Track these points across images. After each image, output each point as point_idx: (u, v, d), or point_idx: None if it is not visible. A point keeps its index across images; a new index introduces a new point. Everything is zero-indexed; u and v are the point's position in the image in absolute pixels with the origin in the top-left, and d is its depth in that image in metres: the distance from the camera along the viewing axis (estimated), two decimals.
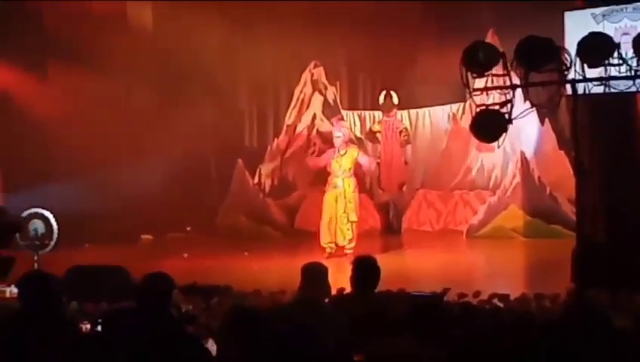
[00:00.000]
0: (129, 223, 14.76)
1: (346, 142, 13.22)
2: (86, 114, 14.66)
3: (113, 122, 14.85)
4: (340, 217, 12.86)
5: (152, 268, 10.03)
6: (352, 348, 5.28)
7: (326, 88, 16.69)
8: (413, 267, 12.59)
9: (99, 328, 5.85)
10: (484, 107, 8.71)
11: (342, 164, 12.98)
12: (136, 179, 14.65)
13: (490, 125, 8.49)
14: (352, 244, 12.84)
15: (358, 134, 16.71)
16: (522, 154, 14.69)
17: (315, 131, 16.54)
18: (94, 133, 14.67)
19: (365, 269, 6.57)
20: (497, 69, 8.55)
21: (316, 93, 16.64)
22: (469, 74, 8.50)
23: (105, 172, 14.66)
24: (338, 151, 13.05)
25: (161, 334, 4.79)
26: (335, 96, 16.80)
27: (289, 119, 16.80)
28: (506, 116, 8.46)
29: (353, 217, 12.89)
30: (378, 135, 16.03)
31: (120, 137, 14.93)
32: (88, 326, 6.06)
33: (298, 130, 16.66)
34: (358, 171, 15.38)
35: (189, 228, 16.00)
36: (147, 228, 15.50)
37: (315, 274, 6.38)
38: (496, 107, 8.65)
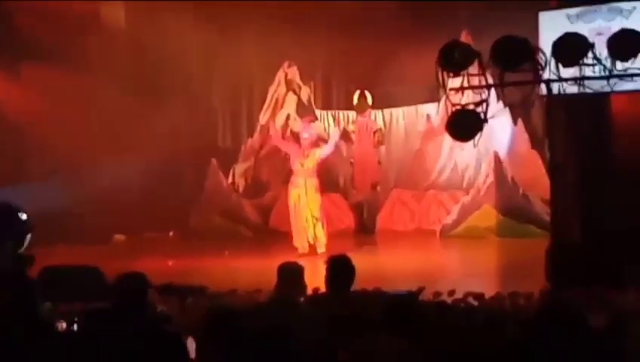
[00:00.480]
0: (101, 223, 14.67)
1: (313, 144, 13.33)
2: (60, 113, 14.58)
3: (87, 122, 14.80)
4: (304, 216, 12.96)
5: (125, 268, 10.01)
6: (330, 346, 5.27)
7: (300, 88, 16.70)
8: (387, 266, 12.60)
9: (75, 327, 5.82)
10: (459, 106, 8.73)
11: (304, 163, 13.13)
12: (108, 178, 14.60)
13: (465, 124, 8.51)
14: (322, 242, 12.88)
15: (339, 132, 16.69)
16: (495, 154, 14.75)
17: (289, 131, 16.53)
18: (67, 133, 14.58)
19: (339, 268, 6.56)
20: (472, 69, 8.56)
21: (290, 93, 16.64)
22: (444, 73, 8.51)
23: (77, 171, 14.61)
24: (303, 152, 13.10)
25: (139, 332, 4.76)
26: (309, 96, 16.81)
27: (263, 119, 16.78)
28: (482, 115, 8.48)
29: (316, 213, 12.96)
30: (352, 135, 16.06)
31: (93, 137, 14.88)
32: (64, 325, 6.01)
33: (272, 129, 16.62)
34: (332, 170, 15.47)
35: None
36: (120, 227, 15.40)
37: (291, 274, 6.37)
38: (472, 106, 8.67)
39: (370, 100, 15.82)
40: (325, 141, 14.47)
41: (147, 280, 5.65)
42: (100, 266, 9.01)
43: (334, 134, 14.12)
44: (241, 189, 16.38)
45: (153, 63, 15.43)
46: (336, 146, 16.38)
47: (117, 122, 15.05)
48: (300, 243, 13.00)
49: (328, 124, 16.86)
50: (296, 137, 16.36)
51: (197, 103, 16.69)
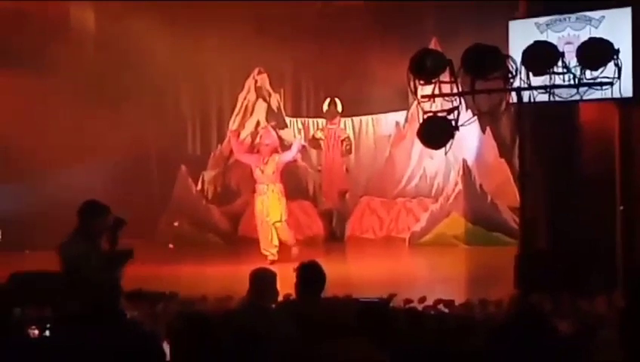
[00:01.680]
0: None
1: (273, 150, 13.56)
2: (26, 118, 14.46)
3: (54, 126, 14.68)
4: (267, 222, 13.05)
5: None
6: (301, 352, 5.27)
7: (270, 95, 16.68)
8: (357, 274, 12.60)
9: (47, 333, 5.78)
10: (431, 114, 8.77)
11: (265, 170, 13.25)
12: (76, 184, 14.45)
13: (437, 132, 8.55)
14: (291, 243, 12.98)
15: (302, 141, 16.72)
16: (464, 162, 14.81)
17: (258, 138, 16.50)
18: (34, 138, 14.47)
19: (310, 275, 6.57)
20: (444, 77, 8.60)
21: (260, 100, 16.62)
22: (416, 81, 8.54)
23: (44, 177, 14.48)
24: (262, 159, 13.25)
25: (115, 335, 4.74)
26: (279, 103, 16.81)
27: (232, 126, 16.75)
28: (453, 123, 8.52)
29: (276, 217, 13.06)
30: (321, 142, 16.09)
31: (60, 141, 14.73)
32: (36, 332, 5.96)
33: (241, 136, 16.61)
34: (301, 178, 15.49)
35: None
36: None
37: (263, 280, 6.35)
38: (443, 114, 8.71)
39: (340, 108, 15.86)
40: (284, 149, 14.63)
41: (118, 284, 5.64)
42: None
43: (297, 141, 14.23)
44: (210, 196, 16.32)
45: (122, 69, 15.34)
46: (306, 153, 16.49)
47: (84, 127, 14.93)
48: (268, 249, 13.01)
49: (298, 131, 16.87)
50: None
51: (166, 110, 16.63)
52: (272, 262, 12.47)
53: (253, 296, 6.30)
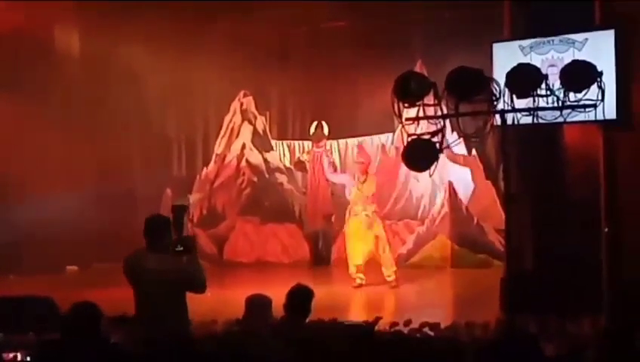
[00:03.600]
0: (54, 254, 14.49)
1: (367, 168, 13.01)
2: (11, 143, 14.41)
3: (37, 149, 14.62)
4: (363, 246, 12.69)
5: (78, 299, 9.90)
6: None
7: (255, 118, 16.71)
8: (343, 297, 12.55)
9: (28, 359, 5.74)
10: (415, 136, 8.77)
11: (363, 190, 12.74)
12: (60, 208, 14.42)
13: (421, 154, 8.53)
14: (392, 270, 12.71)
15: (287, 164, 16.74)
16: (450, 184, 14.82)
17: (244, 161, 16.52)
18: (17, 161, 14.42)
19: (302, 298, 6.60)
20: (428, 99, 8.61)
21: (245, 123, 16.66)
22: (400, 103, 8.54)
23: (29, 201, 14.41)
24: (359, 179, 12.84)
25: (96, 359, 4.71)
26: (264, 126, 16.83)
27: (218, 148, 16.76)
28: (437, 146, 8.52)
29: (385, 243, 12.75)
30: (307, 165, 16.08)
31: (44, 165, 14.68)
32: (18, 356, 5.92)
33: (227, 159, 16.62)
34: (287, 200, 15.44)
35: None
36: (72, 258, 15.22)
37: (259, 306, 6.34)
38: (428, 136, 8.71)
39: (326, 130, 15.86)
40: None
41: (98, 308, 5.60)
42: (53, 297, 8.92)
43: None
44: (195, 219, 16.27)
45: (107, 90, 15.35)
46: (292, 176, 16.50)
47: (68, 151, 14.88)
48: (357, 274, 12.76)
49: (283, 154, 16.89)
50: (251, 167, 16.40)
51: (152, 132, 16.61)
52: (360, 286, 12.42)
53: (248, 322, 6.28)
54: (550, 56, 9.52)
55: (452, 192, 14.81)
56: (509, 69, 8.58)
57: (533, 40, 9.72)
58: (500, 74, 8.89)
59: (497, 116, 8.62)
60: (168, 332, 6.31)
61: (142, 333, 6.56)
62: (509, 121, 8.55)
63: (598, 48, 9.34)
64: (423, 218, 15.29)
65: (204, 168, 16.83)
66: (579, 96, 8.41)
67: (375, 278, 14.04)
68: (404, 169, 14.75)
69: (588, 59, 8.66)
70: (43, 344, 5.55)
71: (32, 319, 7.96)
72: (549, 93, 8.42)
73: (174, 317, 6.51)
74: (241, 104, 16.67)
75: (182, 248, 6.49)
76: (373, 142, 16.42)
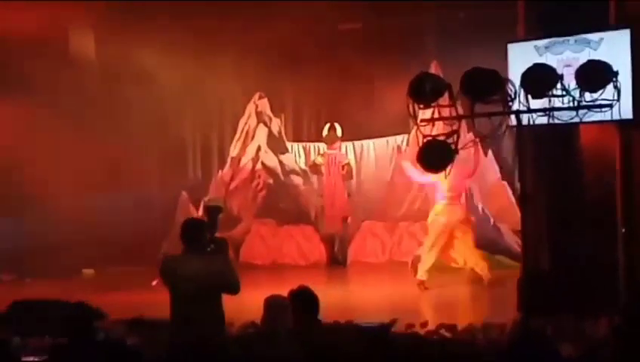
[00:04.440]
0: (70, 257, 14.54)
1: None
2: (27, 147, 14.45)
3: (51, 151, 14.66)
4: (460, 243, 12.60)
5: (94, 303, 9.94)
6: None
7: (271, 120, 16.71)
8: (359, 299, 12.55)
9: None
10: (430, 137, 8.76)
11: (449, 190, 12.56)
12: (76, 211, 14.48)
13: (437, 155, 8.53)
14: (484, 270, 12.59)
15: (303, 166, 16.74)
16: (466, 185, 14.75)
17: (259, 163, 16.53)
18: (34, 166, 14.46)
19: (306, 300, 6.61)
20: (443, 100, 8.60)
21: (261, 125, 16.65)
22: (415, 105, 8.54)
23: (45, 205, 14.47)
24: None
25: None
26: (280, 128, 16.83)
27: (233, 151, 16.77)
28: (452, 146, 8.51)
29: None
30: (322, 167, 16.08)
31: (60, 169, 14.73)
32: (37, 360, 5.96)
33: (242, 162, 16.63)
34: (302, 203, 15.43)
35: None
36: (89, 261, 15.26)
37: (277, 308, 6.36)
38: (443, 137, 8.70)
39: (339, 132, 15.85)
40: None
41: (89, 309, 5.68)
42: (70, 300, 8.94)
43: None
44: None
45: (122, 93, 15.39)
46: (307, 179, 16.50)
47: (83, 153, 14.91)
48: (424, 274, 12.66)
49: (299, 155, 16.89)
50: (267, 169, 16.41)
51: (167, 135, 16.64)
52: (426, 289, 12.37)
53: (267, 323, 6.30)
54: (565, 56, 9.49)
55: (468, 193, 14.76)
56: (524, 69, 8.57)
57: (548, 40, 9.69)
58: (515, 74, 8.87)
59: (513, 117, 8.61)
60: (202, 337, 6.36)
61: (175, 337, 6.60)
62: (525, 122, 8.53)
63: (614, 48, 9.30)
64: None
65: (220, 171, 16.84)
66: (595, 96, 8.39)
67: (394, 279, 14.07)
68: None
69: (604, 59, 8.63)
70: (51, 347, 5.61)
71: (49, 323, 7.98)
72: (564, 93, 8.41)
73: (211, 319, 6.56)
74: (256, 106, 16.67)
75: (214, 248, 6.55)
76: (389, 143, 16.40)
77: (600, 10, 9.65)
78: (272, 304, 6.40)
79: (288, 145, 16.89)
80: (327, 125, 15.97)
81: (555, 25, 9.78)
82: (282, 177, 16.56)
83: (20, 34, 14.35)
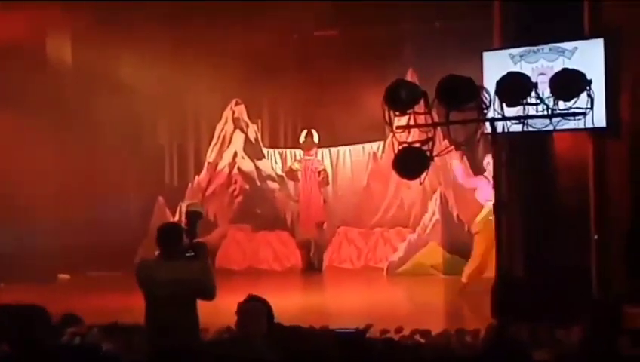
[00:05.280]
0: (45, 262, 14.48)
1: None
2: (3, 156, 14.37)
3: (30, 159, 14.60)
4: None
5: (70, 308, 9.91)
6: None
7: (247, 126, 16.74)
8: (334, 304, 12.59)
9: None
10: (406, 144, 8.81)
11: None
12: (51, 216, 14.43)
13: (412, 162, 8.58)
14: None
15: (279, 172, 16.77)
16: (441, 192, 14.87)
17: (236, 169, 16.55)
18: (10, 173, 14.39)
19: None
20: (419, 108, 8.66)
21: (237, 131, 16.68)
22: (391, 112, 8.59)
23: (19, 210, 14.40)
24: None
25: None
26: (256, 134, 16.87)
27: (210, 156, 16.78)
28: (428, 153, 8.57)
29: None
30: (298, 173, 16.12)
31: (37, 175, 14.66)
32: None
33: (219, 167, 16.65)
34: (279, 208, 15.47)
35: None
36: (64, 267, 15.21)
37: (251, 313, 6.34)
38: (418, 144, 8.76)
39: (316, 139, 15.92)
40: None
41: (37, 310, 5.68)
42: (45, 305, 8.92)
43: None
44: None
45: (99, 100, 15.35)
46: (284, 184, 16.54)
47: (61, 161, 14.86)
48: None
49: (275, 162, 16.92)
50: (243, 175, 16.43)
51: (144, 140, 16.63)
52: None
53: (241, 328, 6.30)
54: (540, 64, 9.60)
55: (443, 200, 14.86)
56: (499, 77, 8.63)
57: (523, 49, 9.79)
58: (490, 82, 8.94)
59: (487, 124, 8.68)
60: (176, 342, 6.36)
61: (152, 342, 6.59)
62: (499, 129, 8.60)
63: (588, 57, 9.42)
64: (415, 226, 15.33)
65: (196, 176, 16.85)
66: (568, 104, 8.47)
67: (369, 284, 14.11)
68: (394, 177, 14.79)
69: (577, 68, 8.72)
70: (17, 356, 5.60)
71: (24, 328, 7.93)
72: (538, 101, 8.48)
73: (186, 325, 6.53)
74: (233, 112, 16.70)
75: (193, 253, 6.55)
76: (365, 150, 16.47)
77: (574, 19, 9.76)
78: (246, 309, 6.41)
79: (265, 151, 16.92)
80: (305, 132, 16.03)
81: (530, 34, 9.88)
82: (259, 183, 16.59)
83: None
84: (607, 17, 9.66)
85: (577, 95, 8.42)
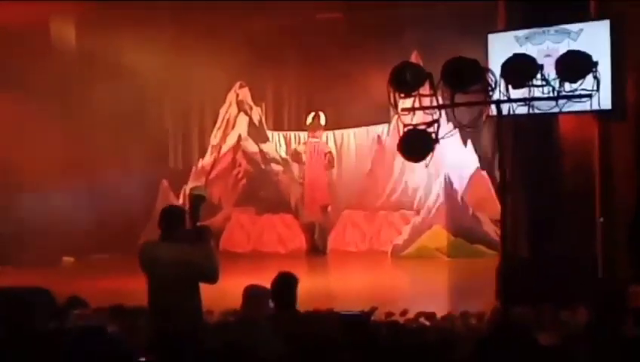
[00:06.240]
0: (50, 245, 14.50)
1: None
2: (5, 138, 14.37)
3: (35, 142, 14.60)
4: None
5: (74, 290, 9.94)
6: None
7: (251, 109, 16.71)
8: (339, 287, 12.60)
9: None
10: (411, 127, 8.79)
11: None
12: (57, 200, 14.43)
13: (417, 145, 8.56)
14: None
15: (283, 155, 16.75)
16: (445, 175, 14.84)
17: (240, 152, 16.53)
18: (16, 154, 14.40)
19: (288, 286, 6.62)
20: (423, 90, 8.63)
21: (241, 114, 16.65)
22: (396, 94, 8.56)
23: (24, 194, 14.42)
24: None
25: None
26: (260, 117, 16.84)
27: (214, 140, 16.77)
28: (433, 136, 8.55)
29: None
30: (303, 156, 16.09)
31: (42, 158, 14.66)
32: None
33: (223, 150, 16.63)
34: (283, 191, 15.43)
35: None
36: (69, 250, 15.23)
37: (257, 296, 6.36)
38: (423, 127, 8.73)
39: (323, 121, 15.87)
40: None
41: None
42: (50, 288, 8.95)
43: None
44: None
45: (103, 82, 15.33)
46: (288, 167, 16.52)
47: (64, 144, 14.87)
48: None
49: (279, 144, 16.90)
50: (247, 158, 16.41)
51: (148, 124, 16.61)
52: None
53: (247, 311, 6.31)
54: (545, 46, 9.55)
55: (447, 183, 14.83)
56: (504, 59, 8.60)
57: (528, 30, 9.75)
58: (495, 64, 8.91)
59: (493, 106, 8.65)
60: (178, 324, 6.36)
61: (155, 324, 6.60)
62: (505, 112, 8.57)
63: (594, 38, 9.37)
64: (419, 209, 15.30)
65: (200, 159, 16.84)
66: (574, 86, 8.44)
67: (373, 267, 14.11)
68: (399, 160, 14.79)
69: (583, 50, 8.68)
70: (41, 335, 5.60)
71: (29, 311, 7.96)
72: (544, 83, 8.45)
73: (188, 308, 6.52)
74: (237, 95, 16.67)
75: (197, 236, 6.54)
76: (369, 133, 16.44)
77: (580, 1, 9.71)
78: (252, 293, 6.41)
79: (269, 133, 16.90)
80: (312, 114, 15.96)
81: (536, 15, 9.83)
82: (263, 166, 16.57)
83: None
84: None
85: (583, 77, 8.39)
